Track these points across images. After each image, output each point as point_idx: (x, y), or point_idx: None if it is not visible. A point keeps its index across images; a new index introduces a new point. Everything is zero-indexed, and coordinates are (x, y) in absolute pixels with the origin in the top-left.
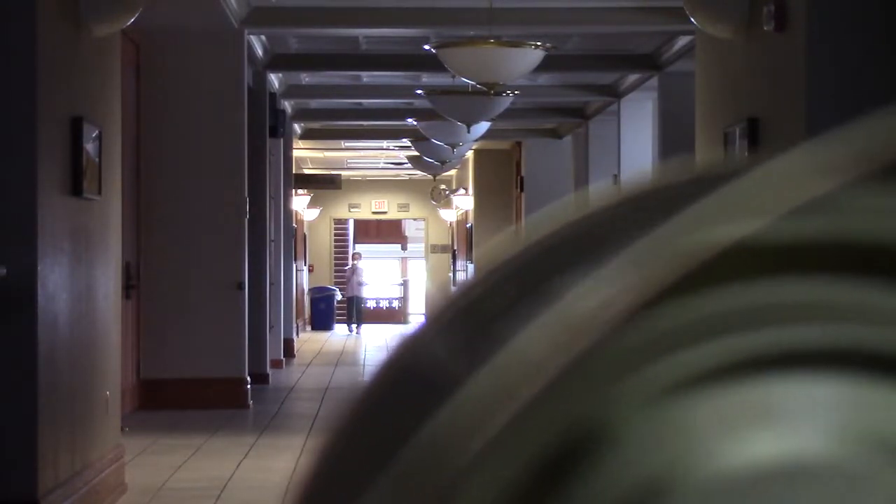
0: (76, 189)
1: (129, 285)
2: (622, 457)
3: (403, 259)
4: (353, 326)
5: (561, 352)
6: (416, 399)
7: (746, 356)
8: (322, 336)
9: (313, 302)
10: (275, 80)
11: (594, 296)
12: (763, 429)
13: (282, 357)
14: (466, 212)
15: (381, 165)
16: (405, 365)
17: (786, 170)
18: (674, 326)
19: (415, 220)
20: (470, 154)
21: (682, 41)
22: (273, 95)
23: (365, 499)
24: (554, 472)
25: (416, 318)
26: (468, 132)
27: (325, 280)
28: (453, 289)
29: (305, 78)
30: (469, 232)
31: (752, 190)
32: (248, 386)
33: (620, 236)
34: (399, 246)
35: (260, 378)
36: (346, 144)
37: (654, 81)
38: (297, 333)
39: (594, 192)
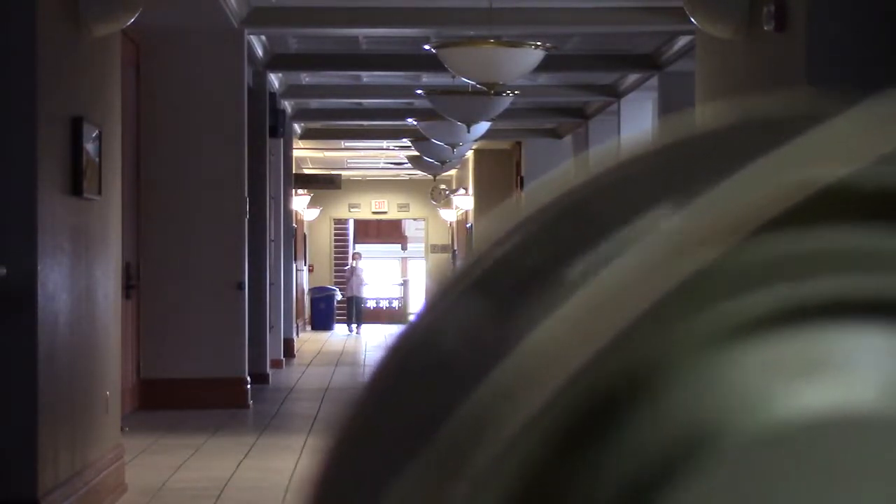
0: (76, 189)
1: (129, 285)
2: (668, 406)
3: (403, 259)
4: (353, 326)
5: (633, 297)
6: (441, 383)
7: (816, 302)
8: (322, 336)
9: (313, 302)
10: (275, 80)
11: (687, 228)
12: (819, 378)
13: (282, 357)
14: (466, 212)
15: (381, 165)
16: (421, 343)
17: (876, 116)
18: (746, 265)
19: (415, 220)
20: (470, 154)
21: (682, 41)
22: (273, 95)
23: (406, 476)
24: (603, 415)
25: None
26: (468, 132)
27: (325, 280)
28: (462, 260)
29: (305, 78)
30: (469, 232)
31: (845, 134)
32: (248, 386)
33: (693, 176)
34: (399, 246)
35: (260, 378)
36: (346, 144)
37: (654, 81)
38: (297, 333)
39: (624, 143)
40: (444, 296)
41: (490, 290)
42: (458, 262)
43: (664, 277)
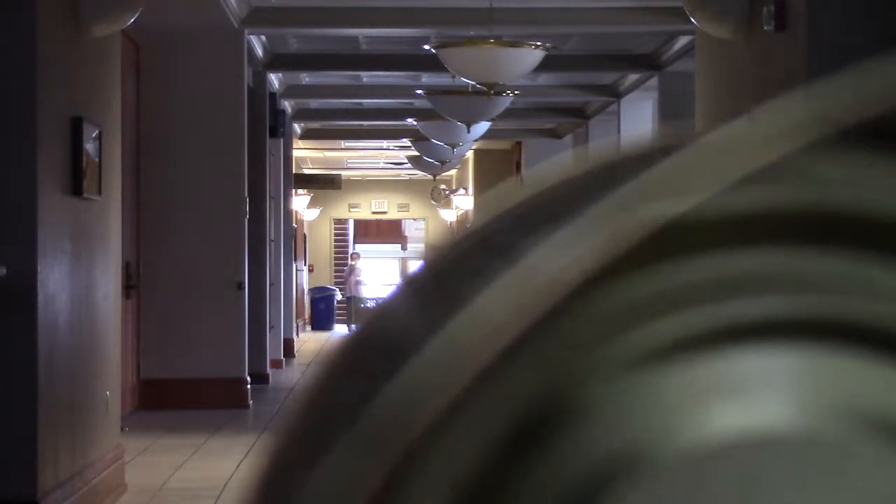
0: (76, 189)
1: (129, 285)
2: (589, 429)
3: (403, 259)
4: (353, 326)
5: (523, 316)
6: (376, 366)
7: (710, 328)
8: (322, 336)
9: (313, 302)
10: (275, 80)
11: (554, 260)
12: (731, 400)
13: (282, 357)
14: (466, 212)
15: (381, 165)
16: (371, 333)
17: (736, 138)
18: (637, 299)
19: (415, 220)
20: (470, 154)
21: (682, 41)
22: (273, 95)
23: (325, 462)
24: (519, 443)
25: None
26: (468, 132)
27: (325, 280)
28: (429, 256)
29: (305, 78)
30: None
31: (699, 161)
32: (248, 386)
33: (577, 207)
34: (399, 246)
35: (260, 378)
36: (346, 144)
37: (654, 81)
38: (297, 333)
39: (571, 160)
40: (404, 290)
41: (428, 295)
42: (426, 257)
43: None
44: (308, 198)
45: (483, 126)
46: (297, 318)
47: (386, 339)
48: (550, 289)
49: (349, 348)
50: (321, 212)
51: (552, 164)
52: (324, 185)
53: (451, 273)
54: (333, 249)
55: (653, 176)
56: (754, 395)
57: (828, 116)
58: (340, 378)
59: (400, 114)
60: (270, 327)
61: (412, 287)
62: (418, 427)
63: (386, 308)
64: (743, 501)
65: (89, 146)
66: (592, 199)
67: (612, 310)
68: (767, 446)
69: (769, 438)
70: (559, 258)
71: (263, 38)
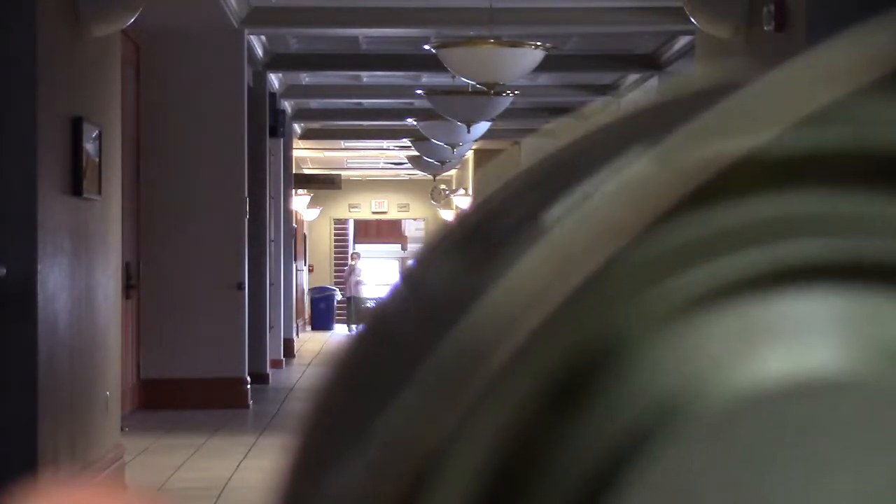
0: (76, 189)
1: (129, 285)
2: (633, 379)
3: (403, 259)
4: (353, 326)
5: (572, 268)
6: (419, 328)
7: (759, 271)
8: (322, 336)
9: (313, 302)
10: (275, 80)
11: (604, 210)
12: (781, 345)
13: (282, 357)
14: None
15: (381, 165)
16: (398, 302)
17: (791, 79)
18: (685, 241)
19: (415, 220)
20: (470, 154)
21: (682, 41)
22: (273, 95)
23: (384, 415)
24: (565, 393)
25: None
26: (468, 132)
27: (325, 280)
28: (453, 218)
29: (305, 78)
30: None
31: (757, 101)
32: (248, 386)
33: (622, 152)
34: (399, 246)
35: (260, 378)
36: (346, 144)
37: (654, 81)
38: (297, 333)
39: (600, 110)
40: (425, 258)
41: (469, 246)
42: (443, 224)
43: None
44: (308, 198)
45: (483, 126)
46: (297, 318)
47: (427, 301)
48: (596, 240)
49: (373, 326)
50: (321, 212)
51: (597, 109)
52: (324, 185)
53: (490, 225)
54: (333, 249)
55: (709, 116)
56: (803, 340)
57: (878, 59)
58: (368, 357)
59: (400, 114)
60: (270, 327)
61: (444, 248)
62: (477, 382)
63: (412, 278)
64: (792, 448)
65: (89, 146)
66: (647, 139)
67: (657, 255)
68: (817, 391)
69: (818, 383)
70: (615, 200)
71: (263, 38)
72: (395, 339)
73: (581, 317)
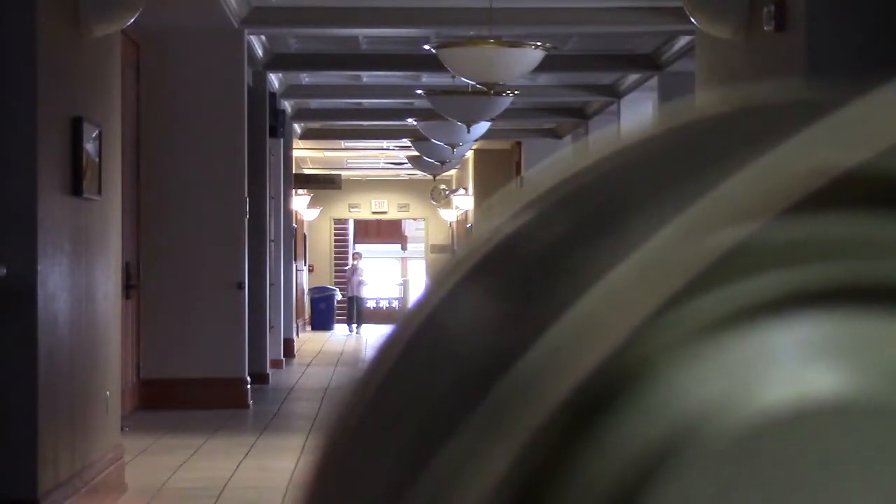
0: (76, 189)
1: (129, 285)
2: (652, 400)
3: (403, 259)
4: (354, 326)
5: (630, 311)
6: (454, 368)
7: (775, 295)
8: (322, 336)
9: (313, 302)
10: (275, 80)
11: (706, 212)
12: (791, 369)
13: (282, 357)
14: (466, 212)
15: (381, 165)
16: (425, 329)
17: (888, 103)
18: (765, 249)
19: (415, 220)
20: (470, 154)
21: (682, 41)
22: (273, 95)
23: (445, 452)
24: (586, 415)
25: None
26: (468, 132)
27: (325, 280)
28: (464, 243)
29: (305, 78)
30: (469, 232)
31: (864, 120)
32: (248, 386)
33: (707, 160)
34: (399, 246)
35: (260, 378)
36: (346, 144)
37: (654, 81)
38: (297, 333)
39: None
40: (446, 279)
41: (501, 273)
42: (461, 245)
43: (683, 265)
44: (308, 198)
45: (483, 126)
46: (297, 318)
47: (451, 340)
48: (692, 260)
49: (401, 350)
50: (321, 212)
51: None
52: (324, 185)
53: (506, 261)
54: (333, 249)
55: (822, 128)
56: (812, 364)
57: None
58: (401, 383)
59: (400, 114)
60: (270, 327)
61: (460, 278)
62: (513, 438)
63: (436, 303)
64: (803, 470)
65: (89, 146)
66: (735, 149)
67: (722, 265)
68: (825, 415)
69: (827, 407)
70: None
71: (263, 38)
72: (427, 378)
73: (641, 337)
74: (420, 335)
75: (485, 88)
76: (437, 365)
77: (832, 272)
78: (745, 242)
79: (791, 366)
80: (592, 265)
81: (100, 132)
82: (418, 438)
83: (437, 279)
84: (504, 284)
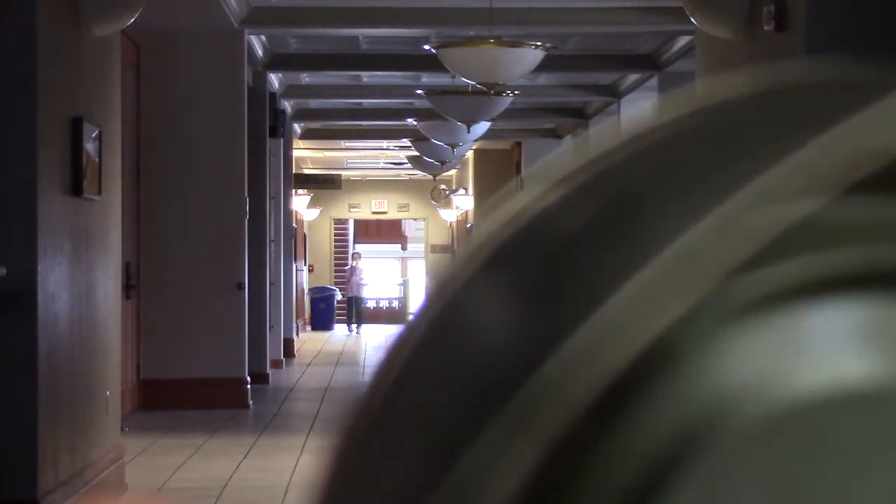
0: (76, 189)
1: (129, 285)
2: (682, 385)
3: (403, 259)
4: (353, 326)
5: (662, 310)
6: (482, 358)
7: (806, 279)
8: (322, 336)
9: (313, 302)
10: (275, 80)
11: (768, 190)
12: (820, 355)
13: (282, 357)
14: (466, 212)
15: (381, 165)
16: (441, 326)
17: None
18: (830, 228)
19: (415, 220)
20: (470, 154)
21: (682, 41)
22: (273, 95)
23: (476, 446)
24: (613, 400)
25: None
26: (468, 132)
27: (325, 280)
28: (476, 234)
29: (305, 78)
30: (469, 232)
31: None
32: (248, 386)
33: (755, 145)
34: (399, 246)
35: (260, 378)
36: (346, 144)
37: (654, 81)
38: (297, 333)
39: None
40: (465, 269)
41: (519, 265)
42: (473, 237)
43: (738, 244)
44: (308, 198)
45: (483, 126)
46: (297, 318)
47: (471, 337)
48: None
49: (417, 347)
50: (321, 212)
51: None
52: (324, 185)
53: (526, 251)
54: (333, 249)
55: (874, 111)
56: (841, 350)
57: None
58: (418, 383)
59: (400, 114)
60: (270, 327)
61: (475, 271)
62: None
63: (451, 299)
64: (831, 458)
65: (89, 146)
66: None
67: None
68: (854, 402)
69: (856, 394)
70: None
71: (263, 38)
72: (448, 376)
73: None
74: (439, 330)
75: (485, 88)
76: (460, 362)
77: (870, 256)
78: (785, 226)
79: (825, 351)
80: (624, 257)
81: (100, 132)
82: (441, 439)
83: (455, 269)
84: (525, 278)
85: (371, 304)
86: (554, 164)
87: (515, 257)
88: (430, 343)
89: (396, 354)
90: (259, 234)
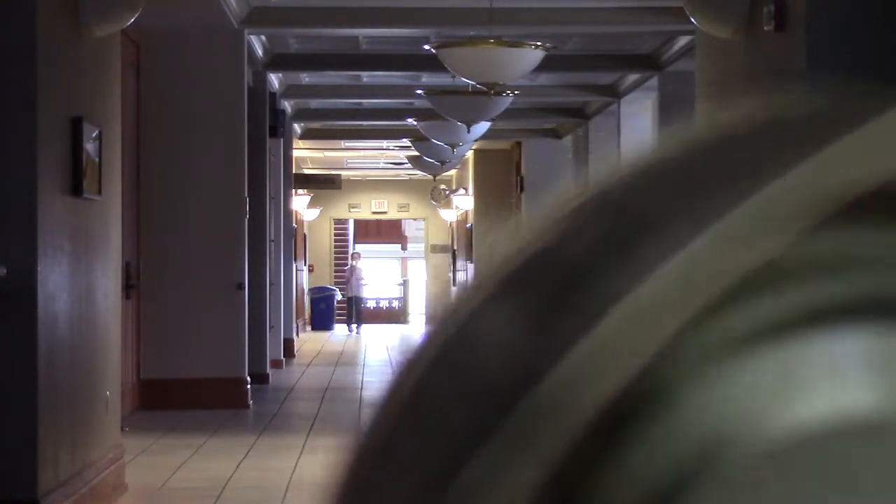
0: (76, 189)
1: (129, 285)
2: (680, 417)
3: (403, 259)
4: (353, 326)
5: (655, 332)
6: (482, 383)
7: (801, 311)
8: (322, 336)
9: (313, 302)
10: (275, 80)
11: (741, 224)
12: (820, 386)
13: (282, 357)
14: (466, 212)
15: (381, 165)
16: (449, 348)
17: None
18: (800, 263)
19: (415, 220)
20: (470, 154)
21: (682, 41)
22: (273, 95)
23: (475, 461)
24: (610, 432)
25: (417, 317)
26: (468, 132)
27: (325, 280)
28: (487, 259)
29: (305, 78)
30: (469, 232)
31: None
32: (248, 386)
33: (744, 174)
34: (399, 246)
35: (260, 378)
36: (346, 144)
37: (654, 81)
38: (297, 333)
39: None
40: (475, 293)
41: (527, 288)
42: (484, 262)
43: (713, 278)
44: (308, 198)
45: (483, 126)
46: (297, 318)
47: (474, 361)
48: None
49: (426, 368)
50: (321, 212)
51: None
52: (324, 185)
53: (532, 279)
54: (333, 249)
55: (854, 140)
56: (842, 381)
57: None
58: (425, 403)
59: (400, 114)
60: (270, 327)
61: (484, 295)
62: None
63: (458, 322)
64: (833, 491)
65: (89, 146)
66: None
67: (753, 280)
68: (856, 433)
69: (858, 425)
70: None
71: (263, 38)
72: (453, 393)
73: (643, 367)
74: (447, 349)
75: (485, 88)
76: (464, 380)
77: (864, 286)
78: (775, 257)
79: (822, 383)
80: (619, 280)
81: (100, 132)
82: (443, 455)
83: (466, 293)
84: (531, 299)
85: (371, 304)
86: (568, 188)
87: (523, 282)
88: (438, 365)
89: (407, 376)
90: (259, 234)
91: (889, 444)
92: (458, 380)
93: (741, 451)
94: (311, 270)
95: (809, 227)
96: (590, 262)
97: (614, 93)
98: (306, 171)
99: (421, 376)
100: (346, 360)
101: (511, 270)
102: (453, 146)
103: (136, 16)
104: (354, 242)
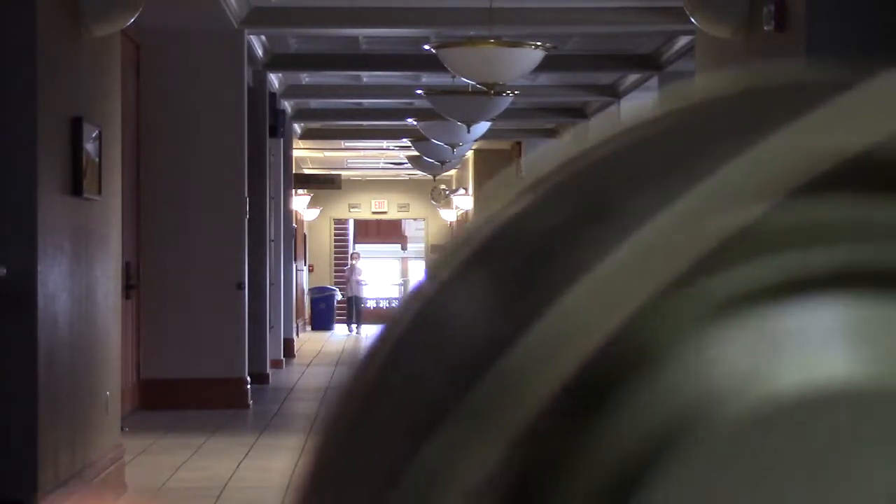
0: (76, 189)
1: (129, 285)
2: (660, 383)
3: (403, 259)
4: (353, 326)
5: (621, 303)
6: (447, 358)
7: (781, 278)
8: (322, 336)
9: (313, 302)
10: (275, 80)
11: (712, 194)
12: (800, 353)
13: (282, 357)
14: (466, 212)
15: (381, 165)
16: (420, 320)
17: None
18: (771, 233)
19: (415, 220)
20: (470, 154)
21: (682, 41)
22: (273, 95)
23: (432, 443)
24: (590, 398)
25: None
26: (468, 132)
27: (325, 280)
28: (460, 232)
29: (305, 78)
30: (454, 230)
31: (869, 104)
32: (248, 386)
33: (713, 143)
34: (399, 246)
35: (260, 378)
36: (346, 144)
37: (654, 81)
38: (297, 333)
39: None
40: (441, 271)
41: (494, 263)
42: (456, 234)
43: (684, 248)
44: (308, 198)
45: (483, 126)
46: (297, 318)
47: (447, 331)
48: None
49: (396, 342)
50: (321, 212)
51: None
52: (324, 185)
53: (503, 250)
54: (333, 249)
55: (827, 111)
56: (821, 349)
57: None
58: (395, 375)
59: (400, 114)
60: (270, 327)
61: (456, 267)
62: (510, 425)
63: (431, 293)
64: (810, 456)
65: (89, 146)
66: (744, 128)
67: (726, 248)
68: (834, 400)
69: (836, 392)
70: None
71: (263, 38)
72: (419, 368)
73: (617, 331)
74: (413, 328)
75: (485, 88)
76: (429, 358)
77: (840, 256)
78: (749, 225)
79: (798, 351)
80: (587, 252)
81: (100, 132)
82: (407, 434)
83: (432, 271)
84: (497, 275)
85: (371, 304)
86: (538, 162)
87: (493, 254)
88: (409, 339)
89: (378, 350)
90: (259, 234)
91: (865, 410)
92: (430, 357)
93: (720, 417)
94: (311, 270)
95: (785, 197)
96: (558, 235)
97: (614, 93)
98: (306, 171)
99: (392, 352)
100: (346, 361)
101: (479, 245)
102: (453, 146)
103: (136, 16)
104: (354, 242)
